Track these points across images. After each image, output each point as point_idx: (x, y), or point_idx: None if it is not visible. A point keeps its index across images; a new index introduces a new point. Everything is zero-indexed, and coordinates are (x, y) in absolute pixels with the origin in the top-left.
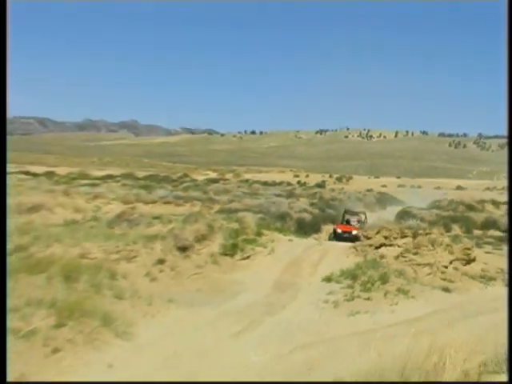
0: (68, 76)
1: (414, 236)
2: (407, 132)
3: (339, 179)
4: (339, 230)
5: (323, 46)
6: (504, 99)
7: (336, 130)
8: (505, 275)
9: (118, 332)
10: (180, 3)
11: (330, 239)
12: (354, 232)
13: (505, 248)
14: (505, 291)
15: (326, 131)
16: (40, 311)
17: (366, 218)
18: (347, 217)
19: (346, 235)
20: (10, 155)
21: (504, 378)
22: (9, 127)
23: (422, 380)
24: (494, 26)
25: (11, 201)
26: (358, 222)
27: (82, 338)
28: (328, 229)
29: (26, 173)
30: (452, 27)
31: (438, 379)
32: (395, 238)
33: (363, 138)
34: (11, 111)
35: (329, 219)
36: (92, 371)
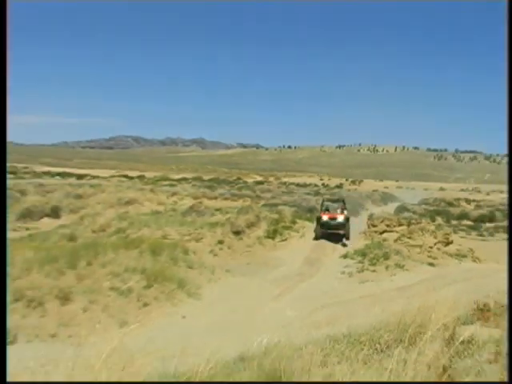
0: (155, 102)
1: (408, 224)
2: (403, 147)
3: (353, 182)
4: (325, 218)
5: (346, 77)
6: (504, 98)
7: (351, 146)
8: (473, 253)
9: (189, 292)
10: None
11: (314, 231)
12: (341, 218)
13: (473, 234)
14: (474, 266)
15: (344, 146)
16: (134, 276)
17: (344, 205)
18: (327, 204)
19: (333, 222)
20: (111, 165)
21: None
22: (110, 143)
23: (416, 329)
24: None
25: (114, 196)
26: (341, 209)
27: (164, 297)
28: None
29: (125, 176)
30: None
31: (425, 330)
32: (394, 226)
33: (371, 151)
34: (114, 133)
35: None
36: (171, 320)
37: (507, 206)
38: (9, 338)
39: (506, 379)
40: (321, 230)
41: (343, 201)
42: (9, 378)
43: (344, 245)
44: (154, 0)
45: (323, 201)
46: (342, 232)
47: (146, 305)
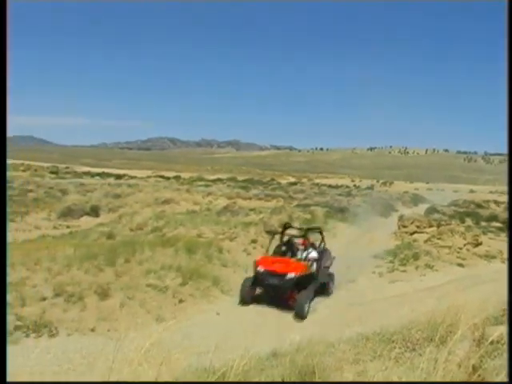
0: (191, 105)
1: (438, 226)
2: (434, 149)
3: (384, 183)
4: (261, 269)
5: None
6: (505, 98)
7: (382, 148)
8: (503, 255)
9: (223, 290)
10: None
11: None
12: (291, 275)
13: (502, 236)
14: (503, 267)
15: (375, 148)
16: (170, 273)
17: (323, 239)
18: (289, 235)
19: (275, 282)
20: (148, 165)
21: (503, 329)
22: (148, 144)
23: (446, 328)
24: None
25: (151, 196)
26: (312, 247)
27: (199, 294)
28: (375, 220)
29: (161, 176)
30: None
31: (455, 329)
32: (424, 227)
33: (402, 153)
34: (152, 134)
35: (377, 212)
36: (206, 317)
37: (507, 205)
38: (51, 331)
39: (506, 379)
40: (250, 289)
41: (320, 230)
42: (9, 378)
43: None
44: (189, 1)
45: (284, 227)
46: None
47: (181, 301)
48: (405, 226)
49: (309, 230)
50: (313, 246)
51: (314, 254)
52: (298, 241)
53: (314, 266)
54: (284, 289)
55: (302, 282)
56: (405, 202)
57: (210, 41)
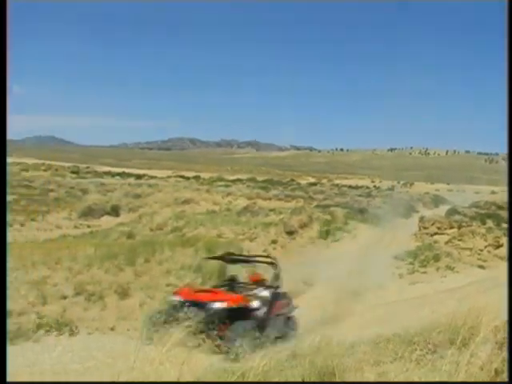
0: (211, 105)
1: (459, 227)
2: (455, 151)
3: (404, 185)
4: (176, 299)
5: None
6: (505, 98)
7: (402, 149)
8: None
9: None
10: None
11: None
12: (219, 305)
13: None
14: None
15: (395, 149)
16: (190, 273)
17: (277, 276)
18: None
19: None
20: (168, 165)
21: None
22: (168, 145)
23: (468, 330)
24: None
25: (171, 196)
26: (262, 285)
27: None
28: (395, 221)
29: (181, 176)
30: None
31: (476, 332)
32: (445, 229)
33: (422, 154)
34: (171, 135)
35: (397, 213)
36: None
37: (507, 206)
38: (72, 330)
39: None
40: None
41: (274, 263)
42: (9, 378)
43: None
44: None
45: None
46: None
47: None
48: (425, 228)
49: (259, 261)
50: (263, 284)
51: (264, 293)
52: (248, 276)
53: (262, 310)
54: (208, 324)
55: (237, 318)
56: (425, 203)
57: (234, 34)
